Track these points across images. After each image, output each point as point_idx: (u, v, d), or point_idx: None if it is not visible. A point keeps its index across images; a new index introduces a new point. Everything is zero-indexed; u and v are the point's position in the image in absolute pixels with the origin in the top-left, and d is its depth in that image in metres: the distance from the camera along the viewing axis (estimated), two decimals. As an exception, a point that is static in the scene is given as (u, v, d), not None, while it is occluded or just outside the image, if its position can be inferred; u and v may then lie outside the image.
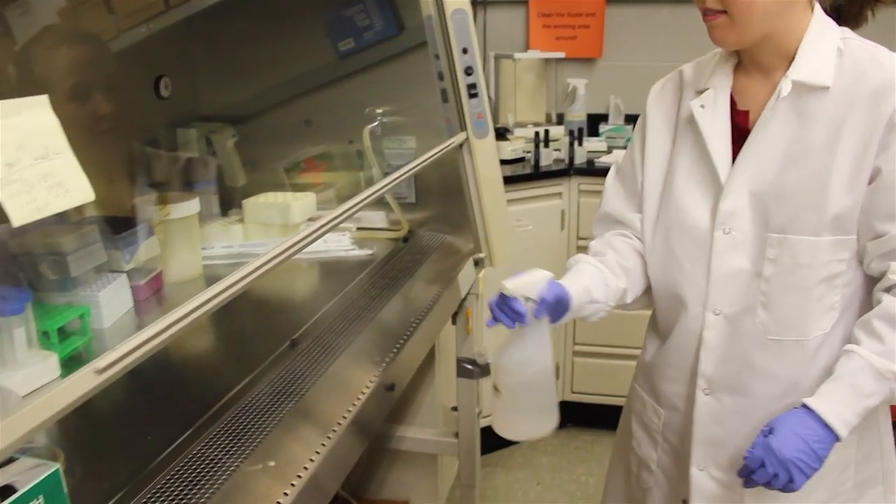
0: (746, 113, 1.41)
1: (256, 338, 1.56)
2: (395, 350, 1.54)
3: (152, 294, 1.58)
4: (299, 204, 1.90)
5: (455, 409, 2.29)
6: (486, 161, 2.09)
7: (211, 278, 1.69)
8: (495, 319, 1.39)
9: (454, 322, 2.15)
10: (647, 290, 1.56)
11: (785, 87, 1.33)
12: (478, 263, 2.16)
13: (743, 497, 1.46)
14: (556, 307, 1.40)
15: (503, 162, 3.11)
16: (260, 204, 1.93)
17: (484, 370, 2.23)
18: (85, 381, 0.73)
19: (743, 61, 1.42)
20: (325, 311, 1.68)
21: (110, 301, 1.44)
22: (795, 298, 1.37)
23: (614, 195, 1.59)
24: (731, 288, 1.41)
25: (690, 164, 1.45)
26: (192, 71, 2.35)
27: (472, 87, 2.04)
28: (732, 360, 1.44)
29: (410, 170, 1.72)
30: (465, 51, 2.03)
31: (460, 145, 2.05)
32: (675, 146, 1.49)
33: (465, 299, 2.10)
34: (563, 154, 3.30)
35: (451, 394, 2.30)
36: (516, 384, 1.44)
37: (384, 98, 2.35)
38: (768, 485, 1.35)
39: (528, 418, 1.50)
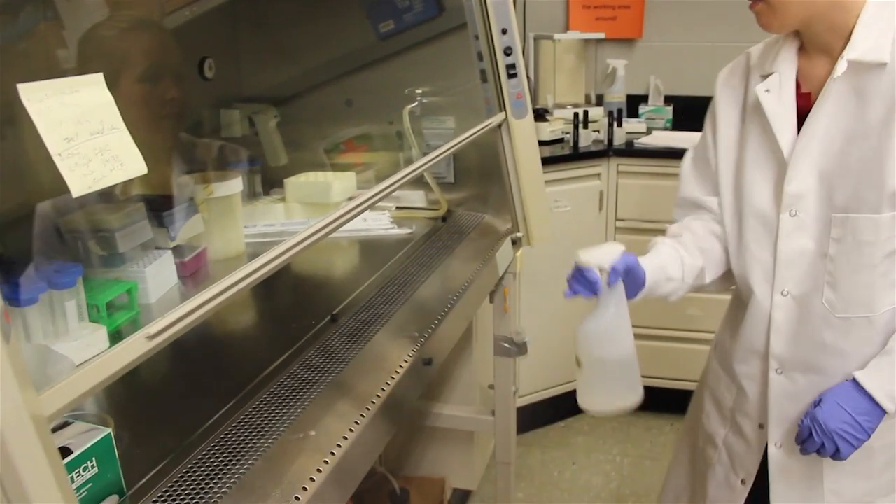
0: (809, 95, 1.41)
1: (298, 312, 1.60)
2: (433, 326, 1.57)
3: (196, 270, 1.62)
4: (339, 183, 1.93)
5: (492, 387, 2.32)
6: (524, 141, 2.10)
7: (253, 256, 1.72)
8: (573, 291, 1.45)
9: (492, 300, 2.17)
10: (727, 274, 1.59)
11: (840, 67, 1.33)
12: (515, 242, 2.18)
13: (822, 473, 1.49)
14: (629, 278, 1.44)
15: (542, 143, 3.11)
16: (301, 183, 1.96)
17: (521, 348, 2.25)
18: (136, 347, 0.76)
19: (804, 44, 1.43)
20: (364, 288, 1.71)
21: (156, 277, 1.48)
22: (861, 276, 1.39)
23: (691, 179, 1.61)
24: (798, 269, 1.44)
25: (758, 148, 1.47)
26: (236, 52, 2.39)
27: (511, 67, 2.06)
28: (802, 339, 1.46)
29: (449, 149, 1.74)
30: (504, 31, 2.04)
31: (499, 125, 2.06)
32: (743, 130, 1.50)
33: (502, 278, 2.12)
34: (602, 135, 3.29)
35: (489, 372, 2.32)
36: (596, 354, 1.48)
37: (424, 79, 2.36)
38: (819, 453, 1.41)
39: (610, 390, 1.53)
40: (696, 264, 1.53)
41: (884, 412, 1.38)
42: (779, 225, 1.44)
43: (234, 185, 1.71)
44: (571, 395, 2.18)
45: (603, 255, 1.41)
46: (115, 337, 1.29)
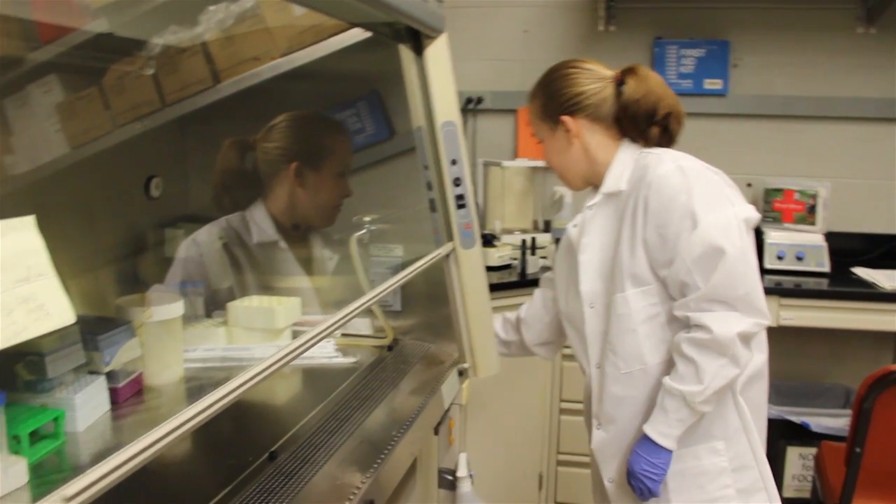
0: None
1: (235, 447, 1.52)
2: (375, 465, 1.51)
3: (130, 396, 1.55)
4: (283, 309, 1.89)
5: (434, 522, 2.24)
6: (472, 272, 2.10)
7: (191, 380, 1.67)
8: None
9: (437, 433, 2.11)
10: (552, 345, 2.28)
11: (595, 199, 1.93)
12: (462, 374, 2.14)
13: None
14: None
15: (490, 269, 3.11)
16: (244, 307, 1.91)
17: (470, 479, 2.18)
18: (52, 509, 0.70)
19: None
20: (305, 422, 1.65)
21: (86, 404, 1.41)
22: (627, 339, 1.85)
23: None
24: (598, 345, 1.93)
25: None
26: (184, 170, 2.37)
27: (459, 197, 2.06)
28: (606, 397, 1.91)
29: (398, 281, 1.72)
30: (453, 162, 2.05)
31: (447, 255, 2.05)
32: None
33: (448, 410, 2.07)
34: (550, 261, 3.30)
35: (432, 505, 2.25)
36: None
37: (373, 201, 2.36)
38: (642, 495, 1.84)
39: None
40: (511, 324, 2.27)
41: (668, 450, 1.79)
42: (584, 316, 1.93)
43: (175, 308, 1.66)
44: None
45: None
46: (37, 469, 1.22)
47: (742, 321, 1.71)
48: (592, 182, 1.97)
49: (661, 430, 1.78)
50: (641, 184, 1.79)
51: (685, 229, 1.73)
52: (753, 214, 1.78)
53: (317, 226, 2.32)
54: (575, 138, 1.92)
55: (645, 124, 1.89)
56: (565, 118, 1.91)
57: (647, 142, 1.90)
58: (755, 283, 1.75)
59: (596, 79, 1.92)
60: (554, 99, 1.93)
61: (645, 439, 1.80)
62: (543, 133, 1.98)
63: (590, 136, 1.91)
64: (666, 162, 1.79)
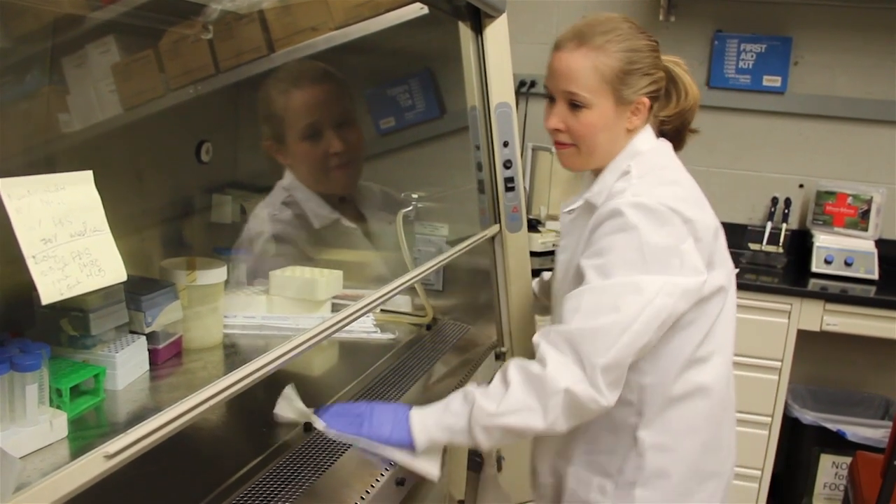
0: None
1: (269, 417, 1.52)
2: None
3: (170, 358, 1.56)
4: (325, 281, 1.88)
5: (462, 502, 2.24)
6: (516, 255, 2.08)
7: (230, 346, 1.68)
8: None
9: (469, 414, 2.11)
10: None
11: (568, 205, 1.75)
12: (499, 357, 2.13)
13: None
14: None
15: (532, 254, 3.09)
16: (286, 277, 1.91)
17: (496, 465, 2.18)
18: (93, 466, 0.70)
19: None
20: (341, 395, 1.65)
21: (127, 363, 1.42)
22: None
23: None
24: None
25: None
26: (234, 137, 2.37)
27: (509, 180, 2.05)
28: None
29: (443, 260, 1.71)
30: (505, 144, 2.03)
31: (492, 237, 2.04)
32: None
33: (483, 393, 2.07)
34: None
35: (461, 486, 2.24)
36: None
37: (420, 179, 2.35)
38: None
39: None
40: None
41: (409, 444, 1.45)
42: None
43: (219, 273, 1.67)
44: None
45: None
46: (75, 424, 1.23)
47: (579, 384, 1.44)
48: (599, 167, 1.68)
49: (427, 422, 1.47)
50: (603, 206, 1.57)
51: (595, 271, 1.52)
52: (689, 281, 1.52)
53: (337, 192, 2.18)
54: (637, 123, 1.64)
55: (684, 130, 1.79)
56: (646, 102, 1.62)
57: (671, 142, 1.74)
58: (623, 359, 1.48)
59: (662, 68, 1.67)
60: (642, 75, 1.60)
61: (404, 415, 1.47)
62: (597, 98, 1.58)
63: (640, 124, 1.66)
64: (627, 195, 1.55)
